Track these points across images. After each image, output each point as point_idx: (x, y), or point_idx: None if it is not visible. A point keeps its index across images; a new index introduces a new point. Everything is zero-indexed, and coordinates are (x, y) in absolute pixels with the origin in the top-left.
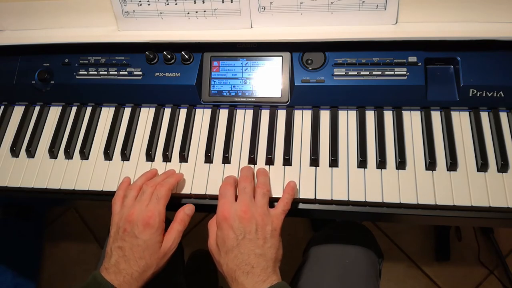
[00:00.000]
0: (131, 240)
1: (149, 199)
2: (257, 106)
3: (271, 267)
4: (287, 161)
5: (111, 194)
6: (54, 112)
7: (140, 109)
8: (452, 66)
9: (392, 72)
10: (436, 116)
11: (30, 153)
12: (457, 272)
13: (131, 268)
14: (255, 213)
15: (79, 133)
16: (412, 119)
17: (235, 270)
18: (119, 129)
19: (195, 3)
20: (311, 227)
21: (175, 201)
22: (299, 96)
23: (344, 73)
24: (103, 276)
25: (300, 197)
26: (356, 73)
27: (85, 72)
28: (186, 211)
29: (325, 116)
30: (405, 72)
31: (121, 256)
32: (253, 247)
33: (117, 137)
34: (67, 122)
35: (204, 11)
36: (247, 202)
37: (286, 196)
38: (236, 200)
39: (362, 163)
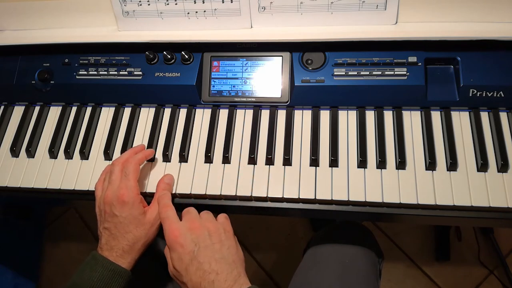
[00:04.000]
0: (113, 219)
1: (119, 178)
2: (257, 106)
3: (235, 269)
4: (287, 161)
5: None
6: (54, 112)
7: (140, 109)
8: (452, 66)
9: (392, 72)
10: (436, 116)
11: (30, 153)
12: (457, 272)
13: (120, 243)
14: (203, 222)
15: (79, 133)
16: (412, 119)
17: (200, 283)
18: (119, 129)
19: (195, 3)
20: (311, 227)
21: (175, 201)
22: (299, 96)
23: (344, 73)
24: (99, 253)
25: (300, 197)
26: (356, 73)
27: (85, 72)
28: (165, 181)
29: (325, 116)
30: (405, 72)
31: (109, 235)
32: (211, 253)
33: (117, 137)
34: (67, 122)
35: (204, 11)
36: (192, 215)
37: (222, 214)
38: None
39: (362, 163)
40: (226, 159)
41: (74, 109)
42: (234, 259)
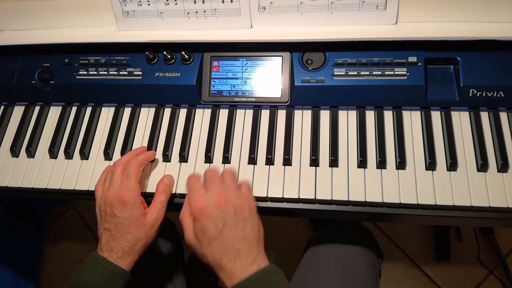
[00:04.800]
0: (113, 220)
1: (120, 178)
2: (257, 106)
3: (256, 248)
4: (287, 161)
5: None
6: (54, 112)
7: (140, 109)
8: (452, 66)
9: (392, 72)
10: (436, 116)
11: (30, 153)
12: (457, 272)
13: (120, 244)
14: (230, 196)
15: (79, 133)
16: (412, 119)
17: (221, 258)
18: (119, 129)
19: (195, 3)
20: (311, 227)
21: (175, 201)
22: (299, 96)
23: (344, 73)
24: (99, 254)
25: (300, 197)
26: (356, 73)
27: (85, 72)
28: (165, 181)
29: (325, 116)
30: (405, 72)
31: (109, 236)
32: (235, 231)
33: (117, 137)
34: (67, 122)
35: (204, 11)
36: (218, 188)
37: (244, 181)
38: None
39: (362, 163)
40: (226, 159)
41: (74, 109)
42: (255, 238)
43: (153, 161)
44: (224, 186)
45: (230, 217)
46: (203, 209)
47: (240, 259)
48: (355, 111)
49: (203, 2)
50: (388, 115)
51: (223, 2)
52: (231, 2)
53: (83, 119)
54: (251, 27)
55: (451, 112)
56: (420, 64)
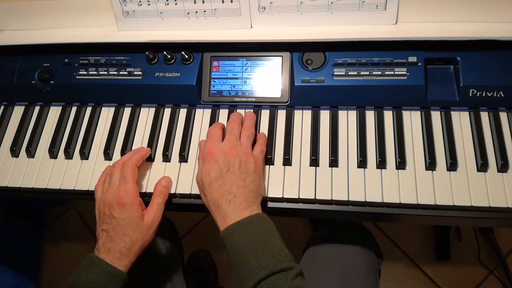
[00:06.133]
0: (111, 221)
1: (118, 180)
2: (257, 106)
3: (252, 197)
4: (287, 161)
5: None
6: (54, 112)
7: (140, 109)
8: (452, 66)
9: (392, 72)
10: (436, 116)
11: (30, 153)
12: (457, 272)
13: (117, 245)
14: (239, 151)
15: (79, 133)
16: (412, 119)
17: (218, 198)
18: (119, 129)
19: (195, 3)
20: (311, 227)
21: (175, 201)
22: (299, 96)
23: (344, 73)
24: (96, 256)
25: (300, 197)
26: (356, 73)
27: (85, 72)
28: (163, 183)
29: (325, 116)
30: (405, 72)
31: (107, 237)
32: (236, 179)
33: (117, 137)
34: (67, 122)
35: (204, 11)
36: (232, 141)
37: (261, 141)
38: (223, 140)
39: (362, 163)
40: None
41: (74, 109)
42: (254, 190)
43: (153, 161)
44: (238, 142)
45: (234, 167)
46: (212, 153)
47: (235, 203)
48: (355, 111)
49: (203, 2)
50: (388, 115)
51: (223, 2)
52: (231, 2)
53: (83, 119)
54: (251, 27)
55: (451, 112)
56: (420, 64)
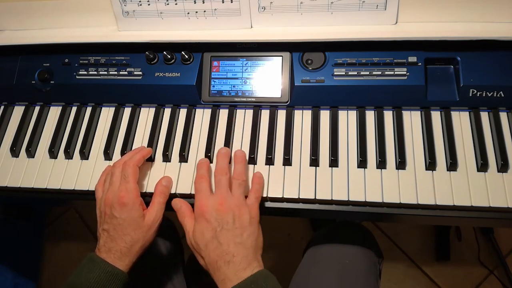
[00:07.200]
0: (112, 221)
1: (119, 180)
2: (257, 106)
3: (251, 254)
4: (287, 161)
5: None
6: (54, 112)
7: (140, 109)
8: (452, 66)
9: (392, 72)
10: (436, 116)
11: (30, 153)
12: (457, 272)
13: (118, 245)
14: (231, 204)
15: (79, 133)
16: (412, 119)
17: (217, 261)
18: (119, 129)
19: (195, 3)
20: (311, 227)
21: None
22: (299, 96)
23: (344, 73)
24: (97, 255)
25: (300, 197)
26: (356, 73)
27: (85, 72)
28: (163, 183)
29: (325, 116)
30: (405, 72)
31: (108, 236)
32: (231, 236)
33: (117, 137)
34: (67, 122)
35: (204, 11)
36: (223, 195)
37: (256, 186)
38: (212, 191)
39: (362, 163)
40: None
41: (74, 109)
42: (252, 245)
43: (153, 161)
44: (229, 193)
45: (228, 223)
46: (203, 212)
47: (234, 263)
48: (355, 111)
49: (203, 2)
50: (388, 115)
51: (223, 2)
52: (231, 2)
53: (83, 119)
54: (251, 27)
55: (451, 112)
56: (420, 64)
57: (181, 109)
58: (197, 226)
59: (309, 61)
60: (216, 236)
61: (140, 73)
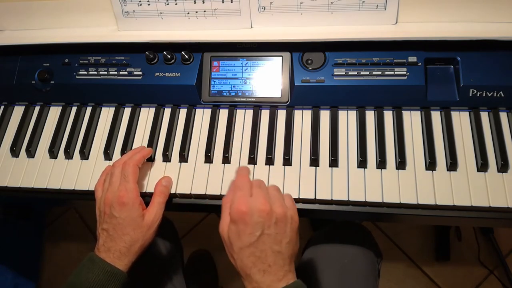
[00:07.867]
0: (111, 220)
1: (119, 179)
2: (257, 106)
3: (287, 264)
4: (287, 161)
5: None
6: (54, 112)
7: (140, 109)
8: (452, 66)
9: (392, 72)
10: (436, 116)
11: (30, 153)
12: (457, 272)
13: (118, 245)
14: (273, 206)
15: (79, 133)
16: (412, 119)
17: (251, 268)
18: (119, 129)
19: (195, 3)
20: (311, 227)
21: (175, 201)
22: (299, 96)
23: (344, 73)
24: (97, 255)
25: (300, 197)
26: (356, 73)
27: (85, 72)
28: (163, 183)
29: (325, 116)
30: (405, 72)
31: (107, 236)
32: (271, 243)
33: (117, 137)
34: (67, 122)
35: (204, 11)
36: (264, 196)
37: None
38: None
39: (362, 163)
40: (226, 159)
41: (74, 109)
42: (290, 254)
43: (153, 161)
44: (269, 195)
45: (270, 227)
46: (244, 213)
47: (270, 273)
48: (355, 111)
49: (203, 2)
50: (388, 115)
51: (223, 2)
52: (231, 2)
53: (83, 119)
54: (251, 27)
55: (451, 112)
56: (420, 64)
57: (181, 109)
58: (233, 225)
59: (309, 61)
60: (255, 241)
61: (140, 73)
